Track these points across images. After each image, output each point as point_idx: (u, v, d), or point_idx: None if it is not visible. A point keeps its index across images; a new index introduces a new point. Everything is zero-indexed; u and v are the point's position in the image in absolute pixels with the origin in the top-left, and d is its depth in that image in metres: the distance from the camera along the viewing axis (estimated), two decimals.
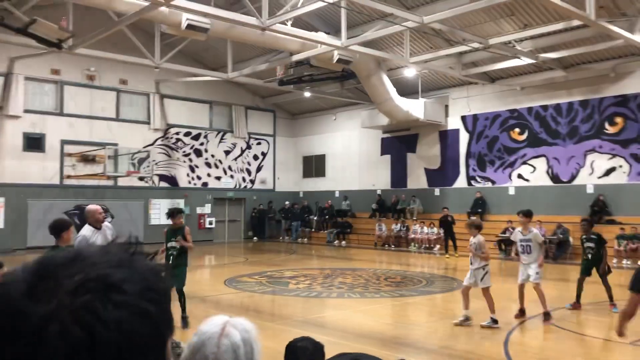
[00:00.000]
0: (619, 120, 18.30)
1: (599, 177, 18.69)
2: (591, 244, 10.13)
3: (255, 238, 27.03)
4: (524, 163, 20.56)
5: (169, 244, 8.52)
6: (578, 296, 10.07)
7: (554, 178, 19.78)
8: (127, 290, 0.68)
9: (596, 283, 13.59)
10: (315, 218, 26.61)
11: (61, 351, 0.62)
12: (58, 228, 5.81)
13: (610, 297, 9.94)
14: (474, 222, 9.51)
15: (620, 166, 18.27)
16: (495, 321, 8.52)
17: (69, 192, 21.92)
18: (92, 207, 6.69)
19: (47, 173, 21.52)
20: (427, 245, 21.72)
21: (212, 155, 26.52)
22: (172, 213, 8.89)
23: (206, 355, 1.55)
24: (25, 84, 21.15)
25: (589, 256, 10.16)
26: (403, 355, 7.27)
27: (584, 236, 10.38)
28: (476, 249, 8.72)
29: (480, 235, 8.90)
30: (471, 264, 8.80)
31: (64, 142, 21.96)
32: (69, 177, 22.01)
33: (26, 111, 21.08)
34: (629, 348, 7.48)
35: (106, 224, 6.76)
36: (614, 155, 18.38)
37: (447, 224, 19.86)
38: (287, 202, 27.69)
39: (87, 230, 6.42)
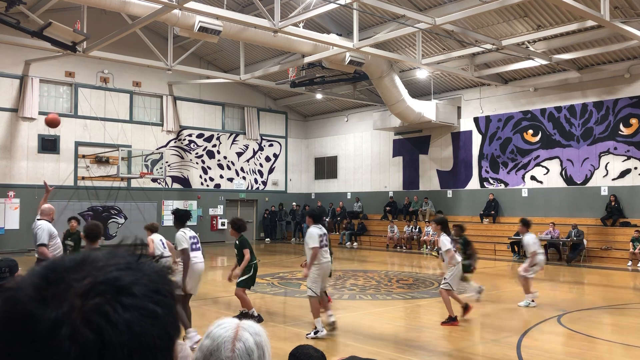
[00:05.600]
0: (634, 121, 18.11)
1: (614, 179, 18.51)
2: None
3: (267, 239, 27.12)
4: (538, 165, 20.41)
5: (66, 242, 10.11)
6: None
7: (568, 180, 19.61)
8: (136, 292, 0.69)
9: (608, 286, 13.48)
10: (327, 220, 26.63)
11: (73, 354, 0.63)
12: (95, 233, 6.44)
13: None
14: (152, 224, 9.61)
15: (636, 168, 18.08)
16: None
17: (83, 193, 22.11)
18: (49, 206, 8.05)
19: (62, 174, 21.73)
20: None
21: (225, 157, 26.63)
22: (69, 219, 11.10)
23: (221, 359, 1.56)
24: (40, 86, 21.39)
25: None
26: (411, 356, 7.24)
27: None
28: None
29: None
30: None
31: (78, 144, 22.17)
32: (82, 178, 22.21)
33: (41, 113, 21.29)
34: None
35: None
36: (629, 157, 18.20)
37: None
38: (294, 204, 27.77)
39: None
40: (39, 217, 7.89)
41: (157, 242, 8.99)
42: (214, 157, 26.23)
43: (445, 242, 9.05)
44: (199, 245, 8.01)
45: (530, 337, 8.06)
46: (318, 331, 7.97)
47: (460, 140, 22.84)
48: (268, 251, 22.88)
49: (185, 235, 7.67)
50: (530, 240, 10.42)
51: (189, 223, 8.00)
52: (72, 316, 0.65)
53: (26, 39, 15.43)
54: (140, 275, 0.71)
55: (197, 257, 7.83)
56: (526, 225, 10.53)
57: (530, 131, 20.66)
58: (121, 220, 22.91)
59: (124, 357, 0.65)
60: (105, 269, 0.70)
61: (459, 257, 9.17)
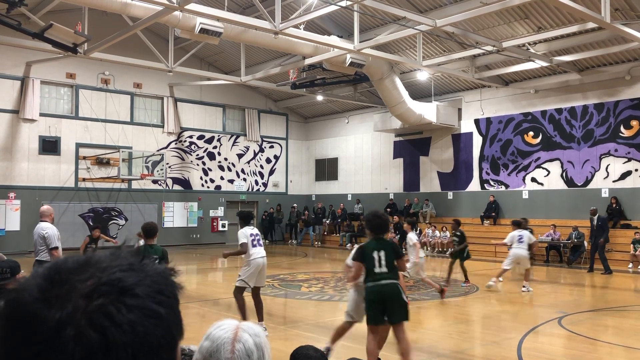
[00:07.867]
0: (634, 123, 18.10)
1: (614, 181, 18.50)
2: (456, 238, 13.33)
3: (266, 241, 27.10)
4: (538, 167, 20.40)
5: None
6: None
7: (569, 182, 19.60)
8: (139, 293, 0.69)
9: (609, 288, 13.47)
10: (327, 221, 26.63)
11: (77, 355, 0.64)
12: (153, 231, 7.19)
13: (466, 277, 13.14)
14: None
15: (636, 170, 18.07)
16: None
17: (84, 195, 22.12)
18: (48, 207, 8.18)
19: (62, 176, 21.73)
20: (440, 249, 21.62)
21: (225, 159, 26.64)
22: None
23: None
24: (41, 88, 21.41)
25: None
26: (412, 358, 7.23)
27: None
28: None
29: None
30: None
31: (79, 145, 22.18)
32: (83, 180, 22.22)
33: (42, 114, 21.32)
34: None
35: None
36: (630, 159, 18.19)
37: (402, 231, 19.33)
38: (294, 205, 27.78)
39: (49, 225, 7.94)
40: (41, 219, 7.89)
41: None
42: (214, 159, 26.24)
43: (412, 238, 11.16)
44: (260, 242, 8.72)
45: (531, 339, 8.05)
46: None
47: (460, 142, 22.83)
48: (268, 253, 22.81)
49: (245, 232, 8.42)
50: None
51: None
52: (77, 317, 0.65)
53: (27, 41, 15.43)
54: (143, 276, 0.72)
55: (257, 252, 8.47)
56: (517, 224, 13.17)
57: (531, 133, 20.66)
58: (122, 222, 22.92)
59: (127, 357, 0.65)
60: (109, 270, 0.71)
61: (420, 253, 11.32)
